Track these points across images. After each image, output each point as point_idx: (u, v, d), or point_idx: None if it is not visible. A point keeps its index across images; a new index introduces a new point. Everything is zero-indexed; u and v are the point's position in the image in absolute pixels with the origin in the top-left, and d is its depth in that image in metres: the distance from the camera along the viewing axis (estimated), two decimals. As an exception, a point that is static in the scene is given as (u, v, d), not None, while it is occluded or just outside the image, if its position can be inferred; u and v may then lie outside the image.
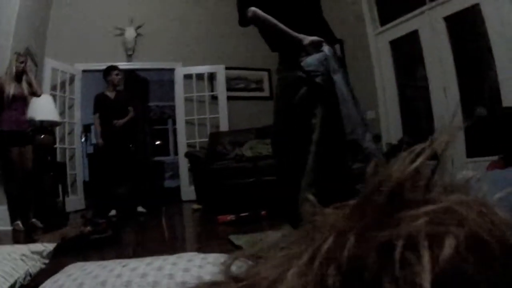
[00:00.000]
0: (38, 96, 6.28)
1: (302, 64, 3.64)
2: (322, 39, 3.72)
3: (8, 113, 5.92)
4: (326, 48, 3.70)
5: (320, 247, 0.32)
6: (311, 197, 0.41)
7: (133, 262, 1.03)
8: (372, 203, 0.34)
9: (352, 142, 3.56)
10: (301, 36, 3.69)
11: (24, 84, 6.13)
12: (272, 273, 0.33)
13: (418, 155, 0.36)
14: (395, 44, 7.47)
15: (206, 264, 1.02)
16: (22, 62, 6.09)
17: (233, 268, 0.38)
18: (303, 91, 3.64)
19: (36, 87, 6.28)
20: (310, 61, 3.63)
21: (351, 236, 0.32)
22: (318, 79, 3.59)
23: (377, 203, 0.33)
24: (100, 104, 7.45)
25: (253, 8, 3.71)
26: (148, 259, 1.05)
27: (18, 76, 6.07)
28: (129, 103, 7.66)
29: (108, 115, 7.37)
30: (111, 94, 7.51)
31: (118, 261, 1.03)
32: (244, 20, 3.90)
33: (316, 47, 3.67)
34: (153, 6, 9.08)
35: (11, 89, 5.91)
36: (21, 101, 6.07)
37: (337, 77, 3.62)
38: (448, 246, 0.29)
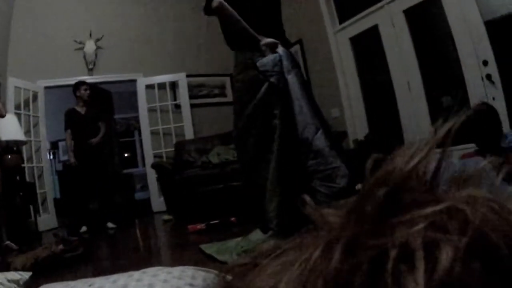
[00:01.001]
0: (3, 117, 6.26)
1: (257, 64, 3.76)
2: (277, 41, 3.87)
3: None
4: (280, 49, 3.84)
5: (308, 259, 0.31)
6: (307, 198, 0.38)
7: (98, 281, 1.10)
8: (370, 204, 0.31)
9: (304, 140, 3.64)
10: (259, 36, 3.86)
11: None
12: (267, 283, 0.32)
13: (419, 149, 0.33)
14: (355, 41, 7.54)
15: (172, 279, 1.09)
16: None
17: (228, 278, 0.38)
18: (262, 92, 3.78)
19: (1, 108, 6.26)
20: (265, 61, 3.77)
21: (339, 247, 0.30)
22: (272, 79, 3.72)
23: (374, 205, 0.31)
24: (71, 120, 7.42)
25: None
26: (113, 277, 1.12)
27: None
28: (100, 118, 7.67)
29: (80, 131, 7.37)
30: (81, 110, 7.49)
31: (84, 280, 1.10)
32: (209, 9, 3.98)
33: (271, 48, 3.82)
34: (111, 19, 9.05)
35: None
36: None
37: (291, 77, 3.72)
38: (445, 258, 0.26)
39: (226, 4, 3.84)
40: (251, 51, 3.90)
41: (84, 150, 7.34)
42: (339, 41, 7.79)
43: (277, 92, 3.75)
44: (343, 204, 0.35)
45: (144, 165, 10.36)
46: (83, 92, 7.48)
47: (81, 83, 7.56)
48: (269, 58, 3.79)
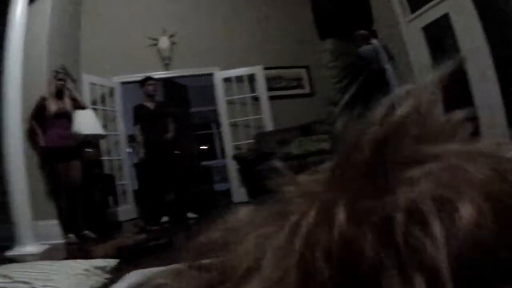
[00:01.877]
0: (84, 108, 6.37)
1: (360, 51, 3.94)
2: (368, 33, 4.04)
3: (52, 130, 6.05)
4: (375, 41, 3.87)
5: (299, 224, 0.25)
6: (279, 164, 0.34)
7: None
8: (355, 164, 0.27)
9: None
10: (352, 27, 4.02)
11: (67, 100, 6.23)
12: (245, 260, 0.27)
13: (401, 102, 0.30)
14: (427, 30, 7.28)
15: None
16: (60, 80, 6.19)
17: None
18: (361, 80, 3.78)
19: (81, 100, 6.38)
20: (366, 49, 3.95)
21: (340, 210, 0.25)
22: (373, 66, 3.71)
23: (361, 164, 0.27)
24: (140, 115, 7.52)
25: None
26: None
27: (59, 94, 6.20)
28: (170, 114, 7.69)
29: (149, 126, 7.43)
30: (150, 105, 7.56)
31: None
32: None
33: (365, 39, 3.80)
34: (184, 14, 9.18)
35: (53, 106, 6.00)
36: (65, 118, 6.19)
37: (388, 67, 3.75)
38: (465, 214, 0.23)
39: None
40: (345, 39, 3.98)
41: (154, 145, 7.39)
42: (411, 31, 7.54)
43: (377, 80, 3.83)
44: (317, 171, 0.33)
45: (223, 157, 10.40)
46: (148, 87, 7.55)
47: (146, 79, 7.65)
48: (368, 47, 3.94)
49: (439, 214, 0.23)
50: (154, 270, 0.32)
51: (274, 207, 0.31)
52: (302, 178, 0.33)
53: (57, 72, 6.28)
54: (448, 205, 0.23)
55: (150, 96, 7.58)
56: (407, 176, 0.25)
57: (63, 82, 6.25)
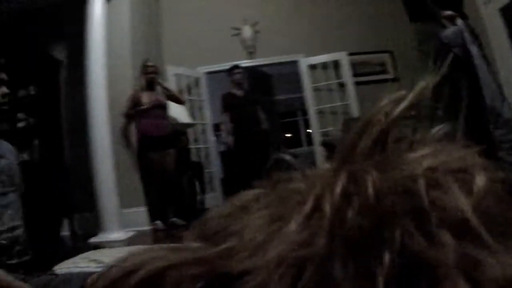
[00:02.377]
0: (183, 103, 6.53)
1: (441, 35, 3.81)
2: (456, 14, 3.91)
3: (147, 120, 6.17)
4: (460, 22, 3.81)
5: (324, 193, 0.26)
6: (287, 156, 0.36)
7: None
8: (361, 149, 0.29)
9: (492, 109, 3.59)
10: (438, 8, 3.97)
11: (158, 91, 6.38)
12: (259, 234, 0.27)
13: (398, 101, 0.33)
14: (505, 11, 7.01)
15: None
16: (150, 73, 6.36)
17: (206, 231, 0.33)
18: (446, 64, 3.79)
19: (177, 94, 6.52)
20: (448, 32, 3.85)
21: (370, 172, 0.26)
22: (456, 50, 3.64)
23: (368, 147, 0.29)
24: (229, 103, 7.59)
25: None
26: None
27: (150, 86, 6.34)
28: (258, 102, 7.75)
29: (239, 114, 7.50)
30: (239, 93, 7.64)
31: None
32: None
33: (451, 20, 3.74)
34: (265, 2, 9.22)
35: (145, 99, 6.19)
36: (158, 108, 6.30)
37: (473, 49, 3.68)
38: (480, 179, 0.26)
39: None
40: (433, 21, 3.87)
41: (244, 133, 7.46)
42: (488, 13, 7.25)
43: (461, 63, 3.76)
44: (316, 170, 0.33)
45: (308, 144, 10.34)
46: (235, 75, 7.65)
47: (233, 67, 7.77)
48: (451, 30, 3.85)
49: (456, 180, 0.26)
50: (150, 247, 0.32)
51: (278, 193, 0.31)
52: (306, 172, 0.33)
53: (146, 65, 6.42)
54: (462, 173, 0.26)
55: (238, 84, 7.67)
56: (414, 156, 0.28)
57: (153, 75, 6.39)
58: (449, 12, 3.88)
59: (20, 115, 6.47)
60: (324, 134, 8.79)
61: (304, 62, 9.05)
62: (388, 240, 0.23)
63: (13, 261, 2.00)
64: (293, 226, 0.26)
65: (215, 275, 0.26)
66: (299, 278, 0.23)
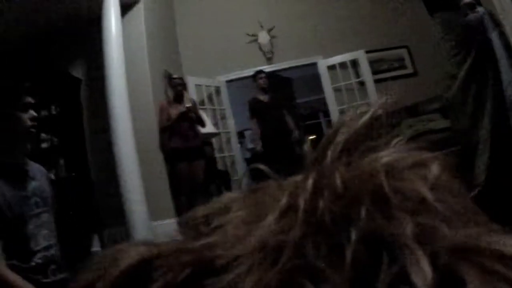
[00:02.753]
0: (203, 125, 6.58)
1: (462, 23, 3.87)
2: (474, 1, 3.92)
3: (177, 132, 6.25)
4: (480, 9, 3.81)
5: (298, 190, 0.30)
6: (262, 166, 0.40)
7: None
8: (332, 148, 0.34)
9: (508, 98, 3.60)
10: None
11: (187, 103, 6.40)
12: (240, 228, 0.30)
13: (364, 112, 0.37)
14: None
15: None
16: (179, 85, 6.44)
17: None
18: (473, 55, 3.82)
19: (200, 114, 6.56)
20: (470, 18, 3.84)
21: (337, 168, 0.30)
22: (479, 37, 3.67)
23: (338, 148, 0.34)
24: (255, 108, 7.63)
25: None
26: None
27: (178, 98, 6.42)
28: (284, 106, 7.77)
29: (265, 119, 7.54)
30: (263, 98, 7.67)
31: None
32: None
33: (470, 8, 3.75)
34: (279, 7, 9.26)
35: (174, 111, 6.26)
36: (187, 120, 6.35)
37: (494, 35, 3.68)
38: (434, 168, 0.30)
39: None
40: (453, 10, 3.93)
41: (271, 137, 7.48)
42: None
43: (487, 51, 3.77)
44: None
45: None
46: (259, 81, 7.71)
47: (257, 72, 7.84)
48: (473, 16, 3.83)
49: (413, 170, 0.30)
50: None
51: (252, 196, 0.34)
52: (272, 182, 0.37)
53: (172, 78, 6.46)
54: (418, 166, 0.30)
55: (263, 89, 7.72)
56: (376, 156, 0.31)
57: (181, 87, 6.45)
58: (468, 0, 3.87)
59: (43, 136, 6.53)
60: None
61: (323, 64, 9.06)
62: (354, 221, 0.26)
63: (49, 280, 2.04)
64: (270, 219, 0.28)
65: (202, 262, 0.28)
66: (278, 261, 0.26)
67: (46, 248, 2.10)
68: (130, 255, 0.32)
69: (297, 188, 0.30)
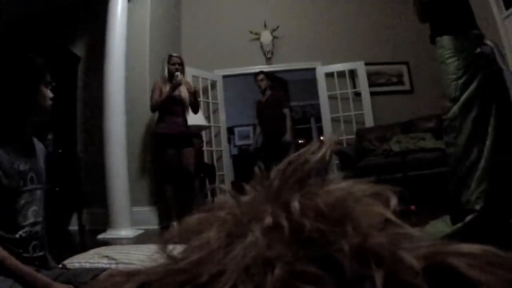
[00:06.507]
0: (196, 112, 6.48)
1: (481, 51, 3.88)
2: (482, 33, 4.01)
3: (169, 116, 6.11)
4: (488, 41, 3.97)
5: (285, 207, 0.33)
6: (226, 186, 0.44)
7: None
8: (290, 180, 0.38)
9: None
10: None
11: (183, 88, 6.23)
12: (222, 245, 0.32)
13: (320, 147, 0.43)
14: None
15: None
16: (174, 64, 6.25)
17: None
18: (480, 78, 3.87)
19: (196, 97, 6.42)
20: (486, 49, 3.89)
21: (317, 193, 0.35)
22: (493, 66, 3.84)
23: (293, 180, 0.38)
24: (257, 109, 7.98)
25: None
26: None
27: (172, 77, 6.15)
28: (281, 106, 7.81)
29: (263, 118, 7.87)
30: (262, 98, 7.92)
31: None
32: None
33: (480, 39, 3.96)
34: (286, 9, 9.28)
35: (166, 91, 6.05)
36: (180, 105, 6.20)
37: (504, 67, 3.79)
38: (393, 199, 0.36)
39: None
40: (460, 37, 3.97)
41: (266, 136, 7.78)
42: (508, 28, 7.25)
43: (495, 79, 3.82)
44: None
45: (321, 151, 10.35)
46: (258, 82, 7.91)
47: (257, 73, 8.01)
48: (488, 48, 3.90)
49: (375, 198, 0.35)
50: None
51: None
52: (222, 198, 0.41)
53: (171, 55, 6.39)
54: (378, 195, 0.36)
55: (261, 89, 7.92)
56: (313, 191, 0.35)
57: (177, 66, 6.23)
58: (477, 32, 3.95)
59: (34, 109, 6.50)
60: (338, 143, 8.76)
61: (321, 70, 9.07)
62: (343, 236, 0.30)
63: (28, 255, 2.05)
64: (254, 236, 0.31)
65: (196, 279, 0.30)
66: (267, 276, 0.28)
67: (33, 224, 2.10)
68: (121, 286, 0.33)
69: (278, 208, 0.33)
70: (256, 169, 0.43)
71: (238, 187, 0.41)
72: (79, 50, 7.20)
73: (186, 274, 0.30)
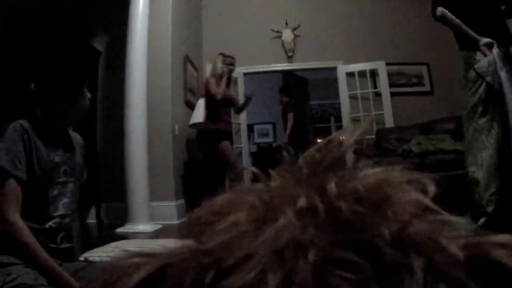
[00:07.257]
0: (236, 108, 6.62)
1: (476, 66, 3.93)
2: (493, 41, 3.91)
3: (223, 114, 6.30)
4: (495, 50, 3.90)
5: (321, 189, 0.32)
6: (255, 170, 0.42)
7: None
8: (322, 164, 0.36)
9: None
10: (478, 37, 3.94)
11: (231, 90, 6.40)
12: (250, 228, 0.30)
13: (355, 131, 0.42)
14: None
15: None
16: (230, 64, 6.38)
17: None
18: (480, 92, 3.92)
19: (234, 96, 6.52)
20: (482, 63, 3.90)
21: (355, 176, 0.34)
22: (488, 79, 3.84)
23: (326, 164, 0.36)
24: (282, 109, 8.21)
25: (441, 9, 4.03)
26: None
27: (221, 76, 6.31)
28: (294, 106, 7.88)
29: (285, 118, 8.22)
30: (283, 98, 8.06)
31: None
32: (434, 16, 4.19)
33: (489, 48, 3.89)
34: (308, 8, 9.27)
35: (218, 89, 6.17)
36: (231, 105, 6.49)
37: (503, 73, 3.78)
38: (431, 186, 0.35)
39: (446, 13, 4.02)
40: (473, 50, 3.99)
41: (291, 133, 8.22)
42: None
43: (492, 91, 3.85)
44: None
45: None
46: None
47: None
48: (485, 60, 3.89)
49: (409, 184, 0.34)
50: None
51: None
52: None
53: (226, 55, 6.45)
54: (415, 182, 0.35)
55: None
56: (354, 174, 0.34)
57: (232, 67, 6.44)
58: (487, 40, 3.91)
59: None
60: (357, 142, 8.75)
61: (342, 69, 9.06)
62: (383, 221, 0.29)
63: (55, 246, 2.10)
64: (286, 219, 0.29)
65: (221, 262, 0.28)
66: (299, 261, 0.27)
67: (63, 216, 2.17)
68: (141, 268, 0.32)
69: (313, 190, 0.32)
70: (284, 155, 0.40)
71: (262, 175, 0.39)
72: (99, 45, 7.24)
73: (211, 257, 0.29)
